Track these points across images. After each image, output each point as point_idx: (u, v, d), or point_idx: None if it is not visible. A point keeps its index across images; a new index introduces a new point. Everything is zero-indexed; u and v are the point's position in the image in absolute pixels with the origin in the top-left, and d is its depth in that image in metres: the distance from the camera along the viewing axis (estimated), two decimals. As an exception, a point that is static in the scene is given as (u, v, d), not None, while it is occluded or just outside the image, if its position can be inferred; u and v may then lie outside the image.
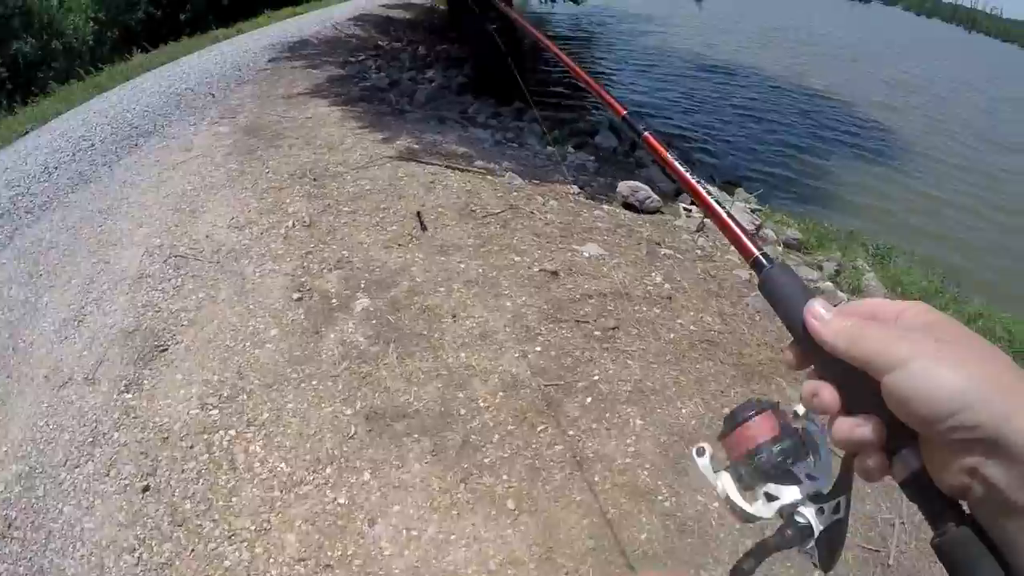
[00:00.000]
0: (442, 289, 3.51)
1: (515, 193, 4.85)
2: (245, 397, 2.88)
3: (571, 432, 2.63)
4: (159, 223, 4.56)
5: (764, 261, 0.52)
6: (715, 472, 0.51)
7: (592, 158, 6.89)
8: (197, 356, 3.18)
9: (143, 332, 3.46)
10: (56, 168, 7.05)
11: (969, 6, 78.27)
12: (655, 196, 5.43)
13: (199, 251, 4.04)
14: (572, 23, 20.69)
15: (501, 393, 2.84)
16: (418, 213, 4.26)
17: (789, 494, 0.46)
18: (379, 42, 13.89)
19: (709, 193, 0.64)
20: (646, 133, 0.73)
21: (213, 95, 8.92)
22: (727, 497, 0.48)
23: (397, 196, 4.51)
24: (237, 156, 5.69)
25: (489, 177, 5.12)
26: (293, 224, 4.16)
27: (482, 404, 2.78)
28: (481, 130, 7.13)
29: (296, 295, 3.51)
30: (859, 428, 0.41)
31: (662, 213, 5.45)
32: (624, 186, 5.38)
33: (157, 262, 4.00)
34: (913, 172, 10.83)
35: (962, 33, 62.17)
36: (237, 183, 5.00)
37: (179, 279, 3.80)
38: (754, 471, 0.47)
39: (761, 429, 0.48)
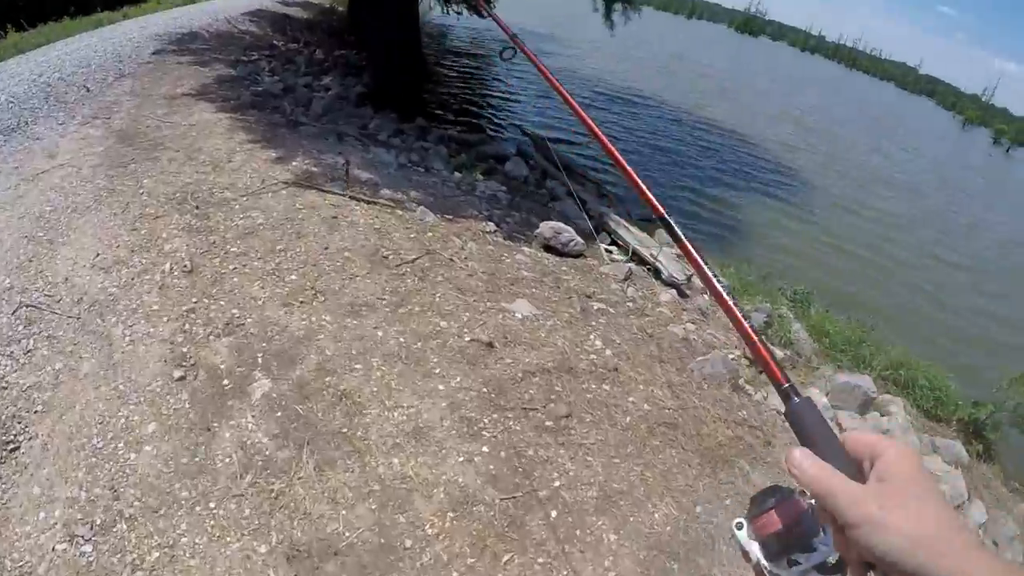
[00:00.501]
0: (358, 366, 2.94)
1: (429, 233, 4.53)
2: (124, 526, 2.19)
3: (541, 560, 2.24)
4: (10, 255, 3.79)
5: (793, 395, 0.63)
6: (749, 540, 0.60)
7: (504, 188, 6.72)
8: (58, 460, 2.41)
9: (-17, 419, 2.84)
10: None
11: (851, 45, 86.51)
12: (578, 239, 5.32)
13: (56, 300, 3.37)
14: (472, 36, 20.53)
15: (451, 514, 2.36)
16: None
17: (808, 560, 0.57)
18: (274, 41, 12.99)
19: (747, 318, 0.74)
20: (686, 242, 0.84)
21: (88, 88, 7.83)
22: (758, 562, 0.59)
23: (295, 234, 4.04)
24: (108, 169, 4.93)
25: (399, 212, 4.77)
26: (171, 268, 3.56)
27: (430, 531, 2.28)
28: (384, 151, 6.74)
29: (177, 372, 2.78)
30: (843, 549, 0.54)
31: (585, 256, 5.37)
32: (546, 227, 5.24)
33: (5, 314, 3.33)
34: (813, 209, 11.37)
35: (843, 70, 68.76)
36: (105, 205, 4.30)
37: (31, 340, 3.12)
38: (781, 544, 0.58)
39: (784, 515, 0.58)
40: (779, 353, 4.85)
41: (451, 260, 4.20)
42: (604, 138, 1.00)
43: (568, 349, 3.55)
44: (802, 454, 0.56)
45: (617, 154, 0.96)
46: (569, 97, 1.24)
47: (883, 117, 30.79)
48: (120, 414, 2.71)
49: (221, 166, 4.99)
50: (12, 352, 3.08)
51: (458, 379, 3.08)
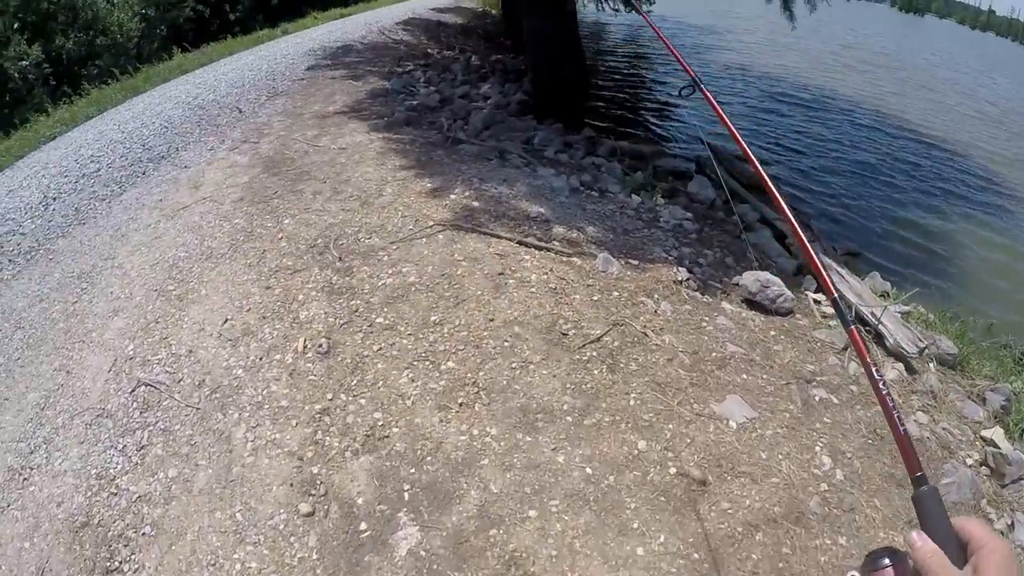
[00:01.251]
0: (532, 513, 2.15)
1: (615, 293, 3.49)
2: None
3: None
4: (137, 312, 3.41)
5: (923, 483, 0.74)
6: None
7: (689, 215, 5.48)
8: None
9: (93, 531, 2.27)
10: (55, 199, 6.04)
11: None
12: (787, 292, 4.02)
13: (177, 380, 2.83)
14: (629, 34, 19.11)
15: None
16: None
17: None
18: (428, 50, 12.71)
19: (894, 405, 0.90)
20: (852, 327, 1.01)
21: (240, 110, 7.85)
22: None
23: (454, 299, 3.21)
24: (248, 205, 4.52)
25: (576, 260, 3.80)
26: (304, 347, 2.89)
27: None
28: (552, 172, 5.80)
29: (305, 506, 2.21)
30: None
31: (793, 314, 4.06)
32: (750, 279, 3.98)
33: (123, 391, 2.82)
34: None
35: (1019, 48, 58.08)
36: (240, 253, 3.81)
37: (146, 433, 2.59)
38: None
39: (898, 573, 0.69)
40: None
41: (644, 334, 3.16)
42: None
43: (794, 477, 2.51)
44: (919, 536, 0.69)
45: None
46: (746, 148, 1.41)
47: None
48: (235, 557, 2.09)
49: (370, 201, 4.36)
50: (125, 446, 2.52)
51: (662, 538, 2.18)
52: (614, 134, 8.71)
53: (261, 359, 2.85)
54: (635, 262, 4.11)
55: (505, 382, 2.69)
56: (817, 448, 2.70)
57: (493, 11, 19.75)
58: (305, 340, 2.91)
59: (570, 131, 8.14)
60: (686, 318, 3.50)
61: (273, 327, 3.05)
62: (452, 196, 4.54)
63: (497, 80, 10.59)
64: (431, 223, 4.04)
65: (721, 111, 1.44)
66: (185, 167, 5.73)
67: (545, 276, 3.51)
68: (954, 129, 12.94)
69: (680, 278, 4.13)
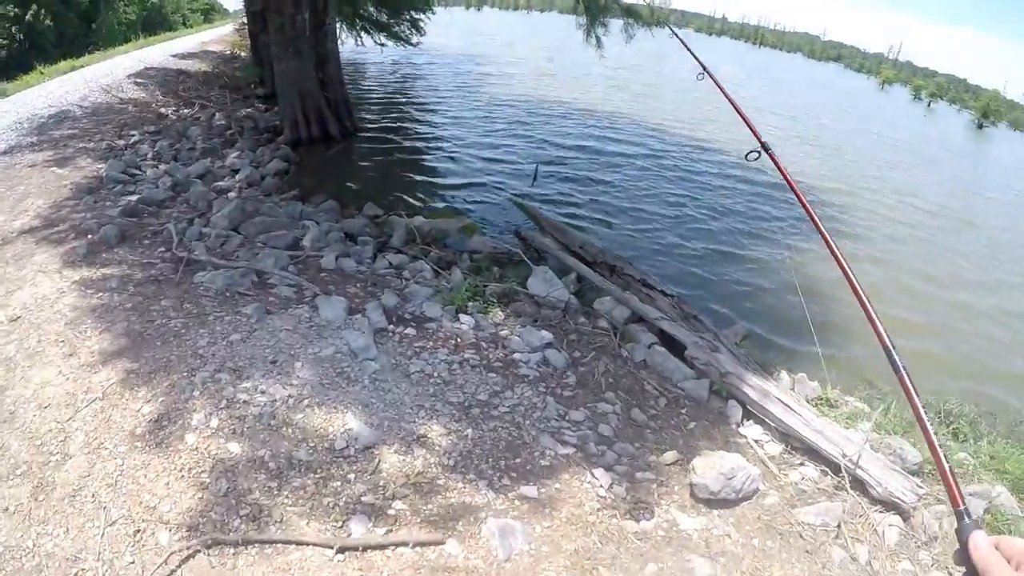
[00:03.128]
0: None
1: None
2: None
3: None
4: None
5: (966, 516, 0.81)
6: None
7: (547, 337, 3.92)
8: None
9: None
10: None
11: (755, 23, 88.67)
12: (752, 471, 2.75)
13: None
14: (394, 64, 17.75)
15: None
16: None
17: None
18: (163, 109, 9.92)
19: (948, 461, 0.92)
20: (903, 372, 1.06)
21: None
22: None
23: None
24: None
25: (448, 552, 2.07)
26: None
27: None
28: (341, 307, 3.75)
29: None
30: None
31: (758, 490, 2.81)
32: (710, 475, 2.61)
33: None
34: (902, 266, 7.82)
35: (751, 48, 69.27)
36: None
37: None
38: None
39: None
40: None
41: None
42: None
43: None
44: (981, 536, 0.76)
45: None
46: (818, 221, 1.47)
47: (844, 104, 28.86)
48: None
49: (44, 488, 2.21)
50: None
51: None
52: (403, 206, 6.84)
53: None
54: (532, 491, 2.50)
55: None
56: None
57: (242, 53, 16.89)
58: None
59: (347, 211, 6.33)
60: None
61: None
62: (189, 437, 2.49)
63: (247, 144, 8.29)
64: (164, 550, 2.01)
65: (789, 177, 1.56)
66: None
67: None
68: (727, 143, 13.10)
69: (602, 492, 2.63)
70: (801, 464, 3.13)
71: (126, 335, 3.40)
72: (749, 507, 2.74)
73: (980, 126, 34.80)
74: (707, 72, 3.16)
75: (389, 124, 11.42)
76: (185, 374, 2.95)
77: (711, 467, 2.65)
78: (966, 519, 0.79)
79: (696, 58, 3.30)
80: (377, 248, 5.31)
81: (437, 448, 2.69)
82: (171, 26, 32.96)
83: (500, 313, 4.30)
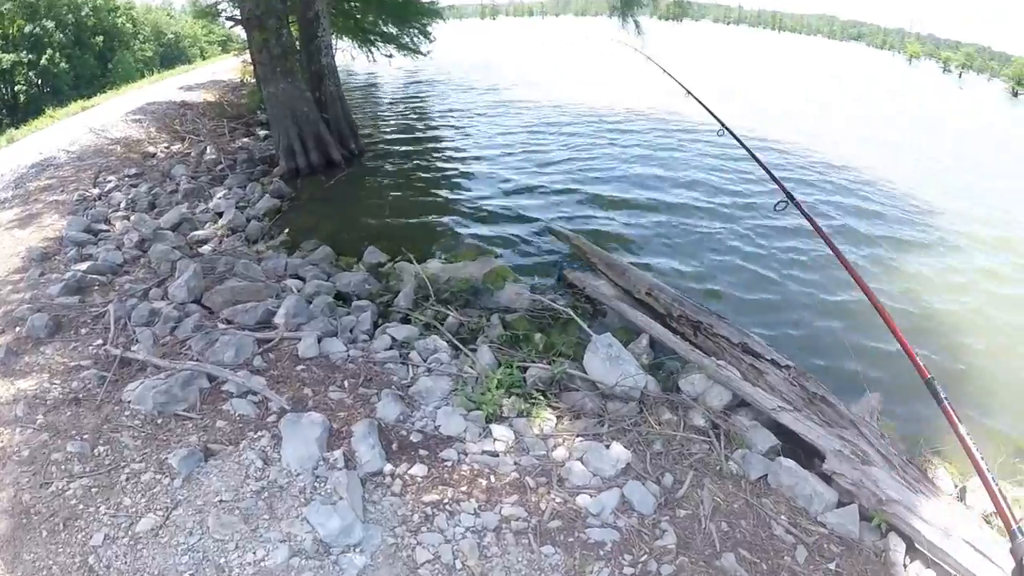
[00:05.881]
0: None
1: None
2: None
3: None
4: None
5: (1019, 535, 0.88)
6: None
7: (625, 457, 2.62)
8: None
9: None
10: None
11: (771, 10, 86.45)
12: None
13: None
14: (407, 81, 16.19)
15: None
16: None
17: None
18: (152, 147, 8.92)
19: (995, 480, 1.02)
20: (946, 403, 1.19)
21: None
22: None
23: None
24: None
25: None
26: None
27: None
28: (314, 426, 2.62)
29: None
30: None
31: None
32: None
33: None
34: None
35: (771, 33, 66.76)
36: None
37: None
38: None
39: None
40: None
41: None
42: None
43: None
44: None
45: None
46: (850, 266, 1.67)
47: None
48: None
49: None
50: None
51: None
52: (413, 245, 5.20)
53: None
54: None
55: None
56: None
57: (250, 79, 15.93)
58: None
59: (344, 259, 5.08)
60: None
61: None
62: None
63: (238, 179, 7.16)
64: None
65: (819, 227, 1.84)
66: None
67: None
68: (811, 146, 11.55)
69: None
70: None
71: (8, 513, 2.24)
72: None
73: (1015, 93, 32.15)
74: (726, 128, 3.31)
75: (397, 137, 10.24)
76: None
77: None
78: (1019, 537, 0.90)
79: (715, 116, 3.49)
80: (377, 315, 4.05)
81: None
82: (190, 59, 32.83)
83: (550, 416, 2.99)
